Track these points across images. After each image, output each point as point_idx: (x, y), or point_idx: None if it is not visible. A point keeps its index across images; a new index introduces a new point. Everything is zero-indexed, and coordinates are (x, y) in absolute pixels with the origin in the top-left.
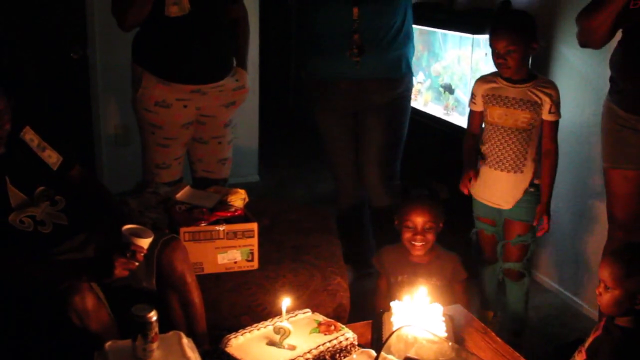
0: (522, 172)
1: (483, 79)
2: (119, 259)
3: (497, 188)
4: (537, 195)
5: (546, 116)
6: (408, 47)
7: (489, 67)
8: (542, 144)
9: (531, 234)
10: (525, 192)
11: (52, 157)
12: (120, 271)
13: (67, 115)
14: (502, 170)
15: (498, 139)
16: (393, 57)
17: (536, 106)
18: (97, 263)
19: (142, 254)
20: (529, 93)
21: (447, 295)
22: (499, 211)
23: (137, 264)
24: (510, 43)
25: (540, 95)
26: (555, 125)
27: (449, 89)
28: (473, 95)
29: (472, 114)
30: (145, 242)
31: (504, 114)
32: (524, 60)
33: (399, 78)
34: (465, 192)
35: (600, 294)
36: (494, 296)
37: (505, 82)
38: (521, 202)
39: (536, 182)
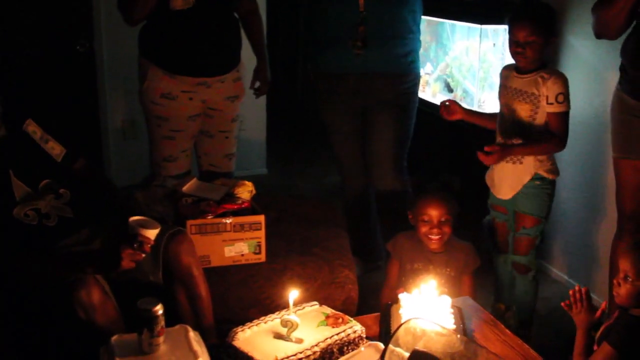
0: (521, 163)
1: (505, 68)
2: (126, 250)
3: (499, 177)
4: (546, 189)
5: (545, 107)
6: (415, 42)
7: (497, 58)
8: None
9: (537, 229)
10: (531, 185)
11: (55, 149)
12: (127, 262)
13: (74, 108)
14: (504, 160)
15: (502, 128)
16: (400, 52)
17: (534, 98)
18: (104, 255)
19: (149, 245)
20: (529, 84)
21: (459, 285)
22: (510, 201)
23: (144, 255)
24: (531, 33)
25: (539, 86)
26: (557, 117)
27: (447, 87)
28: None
29: None
30: (152, 233)
31: (505, 104)
32: (541, 52)
33: (407, 73)
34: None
35: (619, 284)
36: (507, 289)
37: (514, 72)
38: (529, 196)
39: (543, 174)
